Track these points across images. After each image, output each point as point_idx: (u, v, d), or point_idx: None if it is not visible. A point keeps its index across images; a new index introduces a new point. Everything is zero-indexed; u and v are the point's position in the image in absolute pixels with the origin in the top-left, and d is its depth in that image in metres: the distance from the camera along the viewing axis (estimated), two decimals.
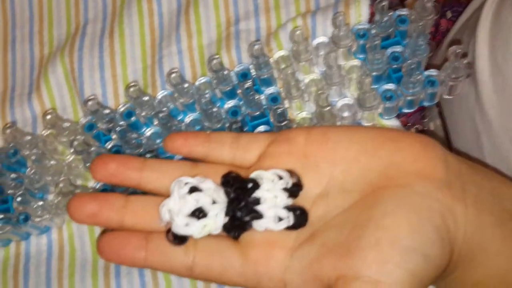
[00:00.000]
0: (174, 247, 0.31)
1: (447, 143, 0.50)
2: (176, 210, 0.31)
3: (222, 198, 0.32)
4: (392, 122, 0.47)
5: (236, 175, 0.33)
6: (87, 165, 0.45)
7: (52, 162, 0.45)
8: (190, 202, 0.31)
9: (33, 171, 0.46)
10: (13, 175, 0.46)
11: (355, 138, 0.33)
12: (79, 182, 0.47)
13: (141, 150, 0.46)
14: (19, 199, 0.43)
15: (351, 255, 0.29)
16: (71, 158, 0.47)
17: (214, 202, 0.32)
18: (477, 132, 0.45)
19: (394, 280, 0.28)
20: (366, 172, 0.32)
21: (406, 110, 0.47)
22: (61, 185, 0.43)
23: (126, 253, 0.31)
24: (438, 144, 0.33)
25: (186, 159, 0.35)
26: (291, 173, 0.32)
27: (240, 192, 0.32)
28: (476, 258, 0.33)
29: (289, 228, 0.31)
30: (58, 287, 0.45)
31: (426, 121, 0.51)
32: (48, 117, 0.45)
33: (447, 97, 0.46)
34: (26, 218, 0.45)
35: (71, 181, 0.44)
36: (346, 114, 0.45)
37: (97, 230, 0.47)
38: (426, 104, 0.47)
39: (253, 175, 0.32)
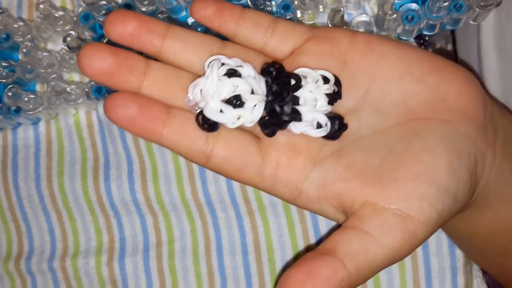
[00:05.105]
0: (197, 130, 0.28)
1: None
2: (211, 92, 0.28)
3: (262, 89, 0.29)
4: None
5: (280, 65, 0.29)
6: None
7: (45, 53, 0.42)
8: (228, 87, 0.28)
9: (25, 59, 0.43)
10: (4, 63, 0.44)
11: (402, 57, 0.30)
12: (76, 77, 0.45)
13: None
14: (9, 93, 0.41)
15: (384, 185, 0.28)
16: (64, 50, 0.44)
17: (252, 92, 0.28)
18: None
19: (424, 218, 0.27)
20: (408, 97, 0.30)
21: (426, 33, 0.44)
22: (52, 83, 0.41)
23: (144, 122, 0.27)
24: (479, 83, 0.31)
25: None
26: (336, 79, 0.30)
27: (283, 86, 0.29)
28: (489, 203, 0.33)
29: (325, 137, 0.29)
30: (48, 185, 0.44)
31: (444, 42, 0.48)
32: (41, 6, 0.42)
33: (472, 22, 0.43)
34: (18, 110, 0.44)
35: (63, 79, 0.42)
36: (361, 32, 0.42)
37: (84, 129, 0.44)
38: (448, 28, 0.43)
39: (298, 71, 0.29)
